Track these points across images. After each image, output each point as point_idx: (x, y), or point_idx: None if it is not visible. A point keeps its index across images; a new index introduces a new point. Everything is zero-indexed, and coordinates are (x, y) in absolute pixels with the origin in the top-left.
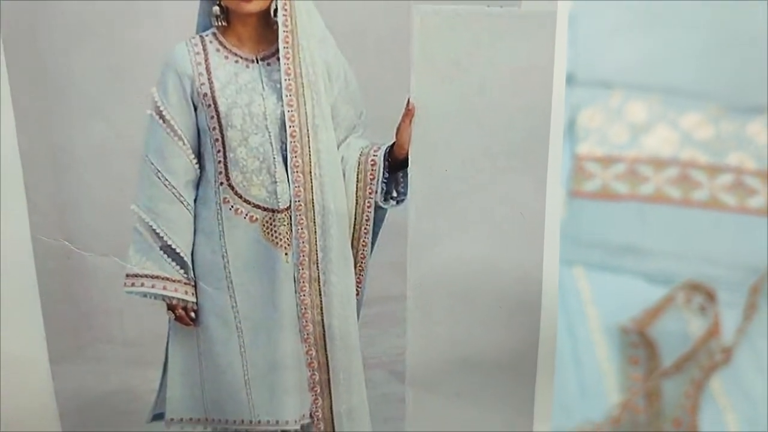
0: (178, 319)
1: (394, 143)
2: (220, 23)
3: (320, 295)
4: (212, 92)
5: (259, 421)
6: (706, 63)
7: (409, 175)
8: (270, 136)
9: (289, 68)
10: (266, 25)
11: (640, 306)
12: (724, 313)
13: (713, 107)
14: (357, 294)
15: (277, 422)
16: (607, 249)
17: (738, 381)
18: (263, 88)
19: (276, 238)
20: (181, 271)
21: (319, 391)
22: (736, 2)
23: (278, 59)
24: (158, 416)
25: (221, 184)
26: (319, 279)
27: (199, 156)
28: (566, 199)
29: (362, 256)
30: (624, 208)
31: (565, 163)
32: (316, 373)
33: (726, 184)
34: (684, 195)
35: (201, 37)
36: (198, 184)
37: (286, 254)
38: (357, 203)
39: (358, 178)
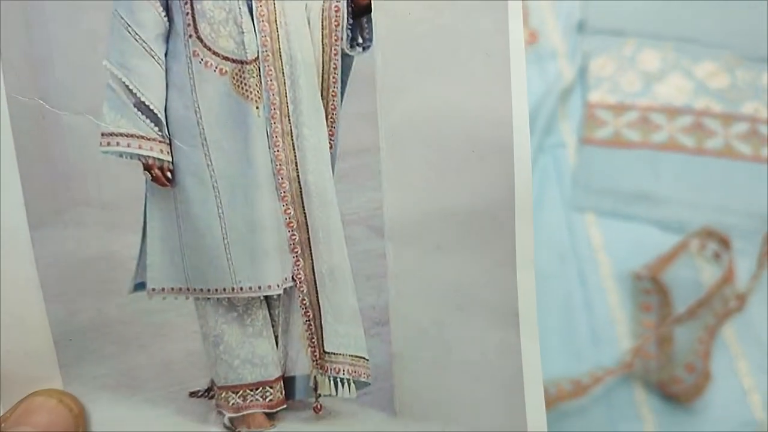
0: (154, 179)
1: None
2: None
3: (294, 149)
4: None
5: (242, 288)
6: (722, 11)
7: (373, 20)
8: None
9: None
10: None
11: (652, 253)
12: (738, 261)
13: (729, 56)
14: (330, 148)
15: (260, 287)
16: (619, 196)
17: (751, 328)
18: None
19: (246, 90)
20: (156, 129)
21: (299, 251)
22: None
23: None
24: (140, 286)
25: (190, 36)
26: (291, 133)
27: (167, 9)
28: (578, 147)
29: (332, 107)
30: (636, 155)
31: (576, 111)
32: (295, 233)
33: (740, 132)
34: (697, 143)
35: None
36: (168, 39)
37: (257, 108)
38: (324, 51)
39: (323, 25)
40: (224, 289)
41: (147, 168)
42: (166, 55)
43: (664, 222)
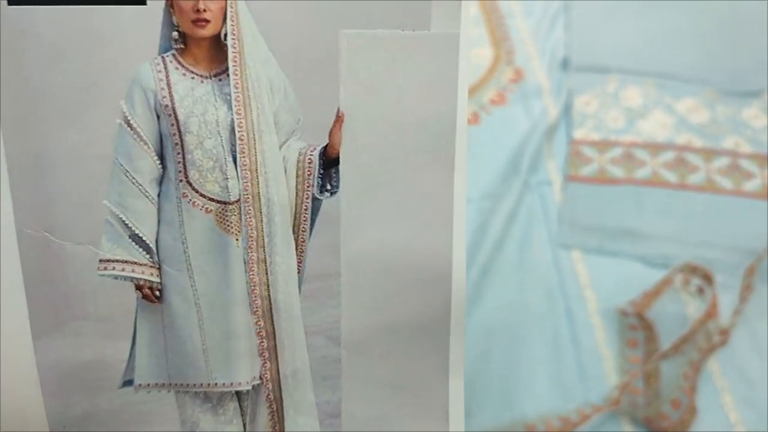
0: (144, 297)
1: (327, 144)
2: (178, 46)
3: (267, 273)
4: (172, 104)
5: (216, 384)
6: (702, 47)
7: (340, 171)
8: (222, 140)
9: (237, 83)
10: (218, 47)
11: (638, 289)
12: (721, 296)
13: (709, 91)
14: (299, 272)
15: (232, 384)
16: (604, 233)
17: (735, 362)
18: (216, 99)
19: (228, 226)
20: (147, 256)
21: (267, 356)
22: None
23: (228, 76)
24: (128, 383)
25: (180, 181)
26: (265, 260)
27: (162, 157)
28: (563, 184)
29: (302, 240)
30: (621, 192)
31: (561, 148)
32: (264, 341)
33: (722, 167)
34: (680, 179)
35: (162, 57)
36: (161, 182)
37: (236, 240)
38: (297, 195)
39: (297, 174)
40: (201, 384)
41: (138, 288)
42: (159, 195)
43: (648, 258)
